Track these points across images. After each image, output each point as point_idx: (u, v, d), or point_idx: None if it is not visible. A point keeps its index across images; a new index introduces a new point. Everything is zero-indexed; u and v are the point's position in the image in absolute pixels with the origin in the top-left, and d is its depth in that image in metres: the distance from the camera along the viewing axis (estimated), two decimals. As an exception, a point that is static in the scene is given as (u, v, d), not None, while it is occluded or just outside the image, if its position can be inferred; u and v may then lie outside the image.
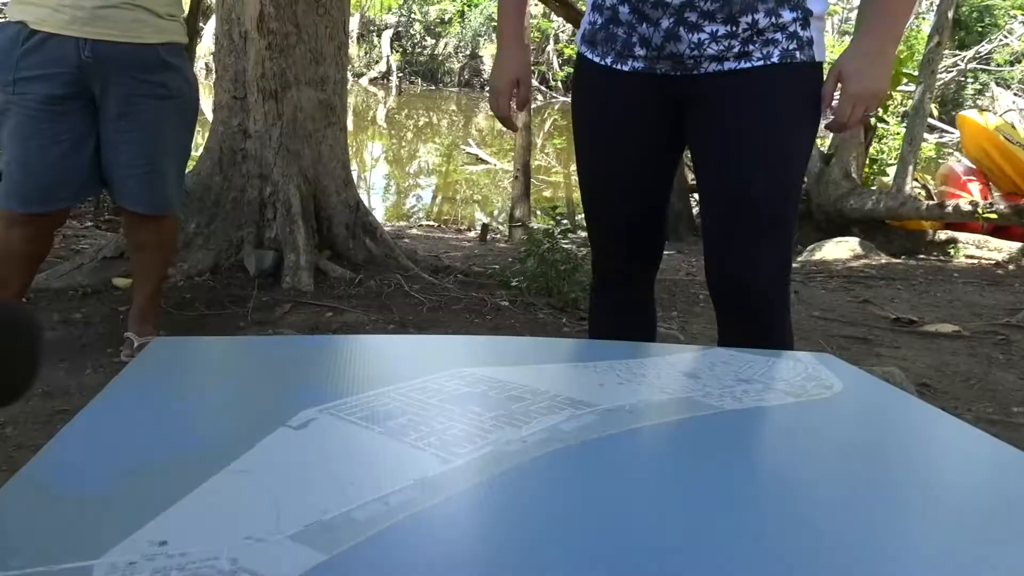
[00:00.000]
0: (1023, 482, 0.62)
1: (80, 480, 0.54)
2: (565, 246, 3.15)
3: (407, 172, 12.03)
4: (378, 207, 8.91)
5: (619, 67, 1.22)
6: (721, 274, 1.23)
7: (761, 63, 1.15)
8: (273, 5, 2.72)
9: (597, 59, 1.25)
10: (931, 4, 10.56)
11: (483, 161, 11.69)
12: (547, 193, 10.43)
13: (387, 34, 20.60)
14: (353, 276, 2.81)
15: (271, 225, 2.82)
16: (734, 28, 1.14)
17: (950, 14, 5.97)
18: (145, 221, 1.93)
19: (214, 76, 2.94)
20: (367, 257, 2.96)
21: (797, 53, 1.16)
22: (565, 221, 3.31)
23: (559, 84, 20.15)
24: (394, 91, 19.73)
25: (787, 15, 1.14)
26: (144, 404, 0.70)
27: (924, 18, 12.92)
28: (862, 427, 0.78)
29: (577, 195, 11.16)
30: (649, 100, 1.23)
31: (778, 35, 1.15)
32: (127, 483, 0.54)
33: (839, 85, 1.19)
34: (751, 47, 1.15)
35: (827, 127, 1.24)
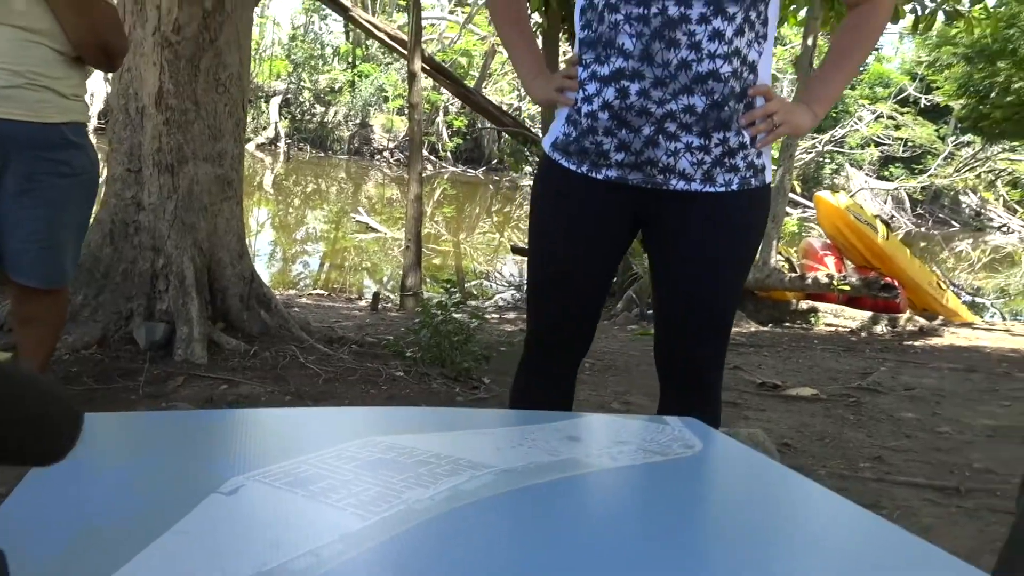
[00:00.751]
0: (847, 529, 0.77)
1: (36, 544, 0.61)
2: (458, 317, 3.27)
3: (295, 239, 11.91)
4: (264, 274, 8.80)
5: (593, 175, 1.35)
6: (671, 364, 1.45)
7: (723, 189, 1.33)
8: (172, 82, 2.78)
9: (573, 167, 1.37)
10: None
11: (373, 229, 11.73)
12: (436, 261, 10.55)
13: (275, 100, 20.54)
14: (247, 348, 2.82)
15: (163, 297, 2.81)
16: (707, 142, 1.29)
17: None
18: (37, 295, 1.92)
19: (103, 146, 2.94)
20: (262, 328, 2.98)
21: (752, 180, 1.34)
22: (457, 293, 3.44)
23: (448, 154, 20.56)
24: (282, 157, 19.60)
25: (748, 136, 1.32)
26: (78, 476, 0.76)
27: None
28: (713, 481, 0.93)
29: (467, 263, 11.27)
30: (621, 210, 1.37)
31: (740, 162, 1.32)
32: (81, 546, 0.61)
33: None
34: (716, 170, 1.32)
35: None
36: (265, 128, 20.14)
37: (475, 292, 9.43)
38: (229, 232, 3.01)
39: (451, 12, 20.64)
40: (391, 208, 14.59)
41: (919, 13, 6.40)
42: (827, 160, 20.31)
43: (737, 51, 1.27)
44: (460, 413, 1.20)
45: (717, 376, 1.45)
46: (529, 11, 1.58)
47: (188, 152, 2.85)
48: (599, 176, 1.35)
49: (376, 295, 6.44)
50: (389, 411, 1.16)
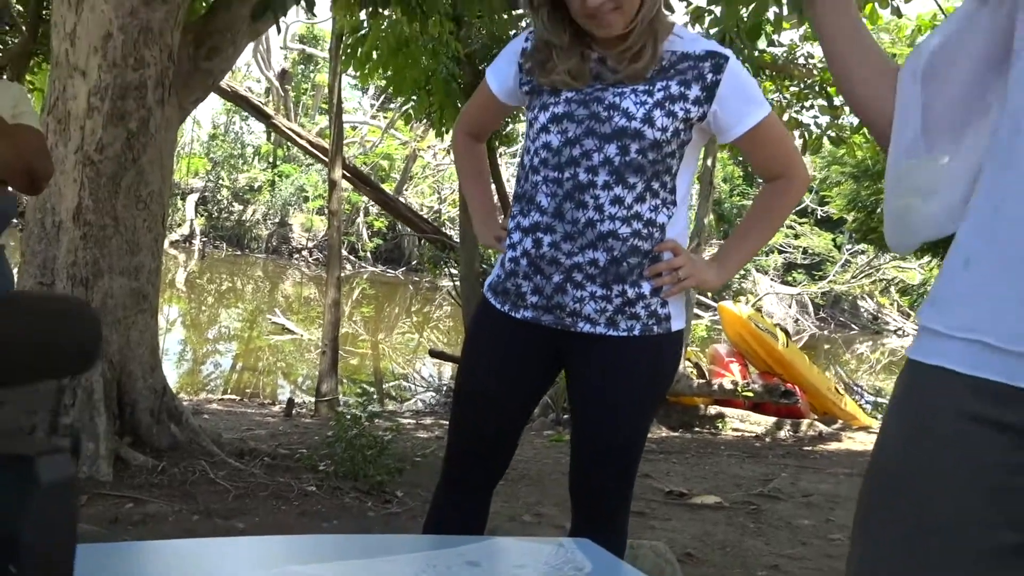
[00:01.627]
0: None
1: None
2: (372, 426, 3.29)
3: (207, 338, 11.65)
4: (173, 376, 8.60)
5: (514, 314, 1.50)
6: (578, 493, 1.57)
7: (625, 334, 1.46)
8: (92, 199, 2.82)
9: (498, 305, 1.53)
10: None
11: (289, 331, 11.58)
12: (354, 362, 10.48)
13: (192, 198, 20.39)
14: (156, 464, 2.78)
15: (68, 412, 2.77)
16: (608, 292, 1.44)
17: (707, 220, 7.03)
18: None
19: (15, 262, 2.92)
20: (171, 443, 2.95)
21: (655, 327, 1.47)
22: (373, 405, 3.47)
23: (368, 254, 20.64)
24: (197, 255, 19.32)
25: (646, 287, 1.46)
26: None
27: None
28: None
29: (385, 364, 11.14)
30: (539, 348, 1.51)
31: (640, 310, 1.46)
32: None
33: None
34: (619, 317, 1.46)
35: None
36: (180, 225, 19.90)
37: (393, 393, 9.37)
38: (142, 345, 3.01)
39: (373, 117, 21.17)
40: (308, 307, 14.47)
41: (808, 137, 7.01)
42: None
43: (638, 215, 1.44)
44: (371, 540, 1.26)
45: (622, 505, 1.56)
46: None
47: (104, 266, 2.87)
48: (518, 315, 1.50)
49: (290, 401, 6.37)
50: (304, 540, 1.21)
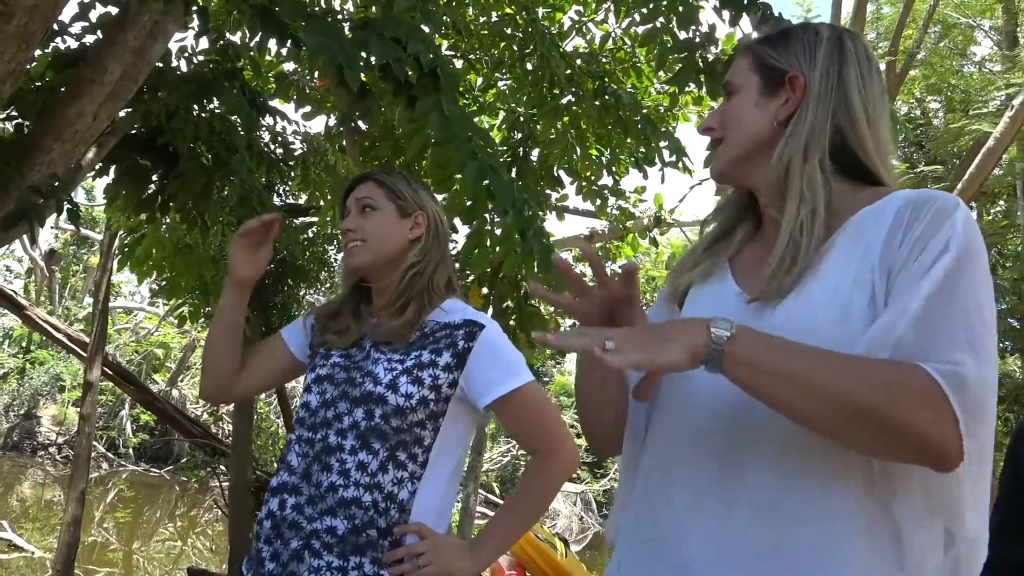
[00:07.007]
0: None
1: None
2: None
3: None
4: None
5: None
6: None
7: None
8: None
9: (247, 574, 1.43)
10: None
11: (18, 548, 10.02)
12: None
13: (-88, 386, 17.79)
14: None
15: None
16: (345, 564, 1.35)
17: (487, 429, 7.13)
18: None
19: None
20: None
21: None
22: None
23: (130, 451, 18.72)
24: (-95, 456, 16.58)
25: (385, 574, 1.38)
26: None
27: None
28: None
29: (137, 575, 9.93)
30: None
31: None
32: None
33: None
34: None
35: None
36: None
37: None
38: None
39: (151, 303, 20.05)
40: (49, 513, 12.66)
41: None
42: (524, 463, 21.54)
43: (378, 485, 1.38)
44: None
45: None
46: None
47: None
48: None
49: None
50: None
